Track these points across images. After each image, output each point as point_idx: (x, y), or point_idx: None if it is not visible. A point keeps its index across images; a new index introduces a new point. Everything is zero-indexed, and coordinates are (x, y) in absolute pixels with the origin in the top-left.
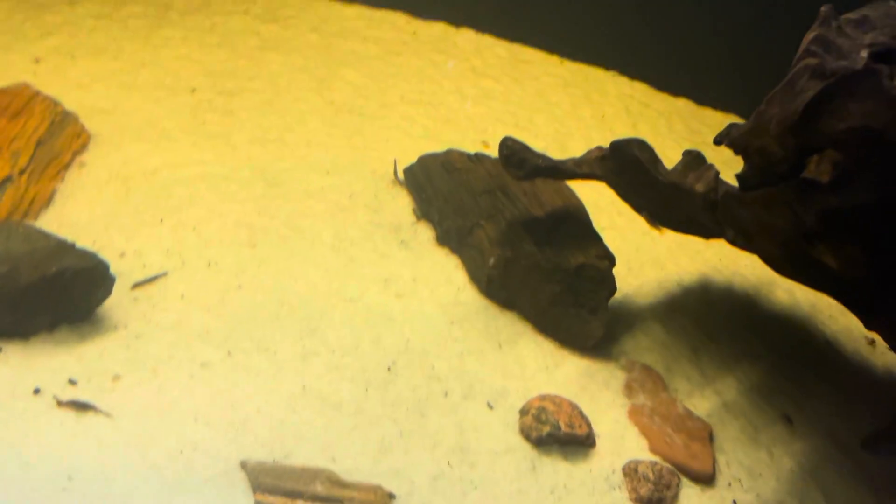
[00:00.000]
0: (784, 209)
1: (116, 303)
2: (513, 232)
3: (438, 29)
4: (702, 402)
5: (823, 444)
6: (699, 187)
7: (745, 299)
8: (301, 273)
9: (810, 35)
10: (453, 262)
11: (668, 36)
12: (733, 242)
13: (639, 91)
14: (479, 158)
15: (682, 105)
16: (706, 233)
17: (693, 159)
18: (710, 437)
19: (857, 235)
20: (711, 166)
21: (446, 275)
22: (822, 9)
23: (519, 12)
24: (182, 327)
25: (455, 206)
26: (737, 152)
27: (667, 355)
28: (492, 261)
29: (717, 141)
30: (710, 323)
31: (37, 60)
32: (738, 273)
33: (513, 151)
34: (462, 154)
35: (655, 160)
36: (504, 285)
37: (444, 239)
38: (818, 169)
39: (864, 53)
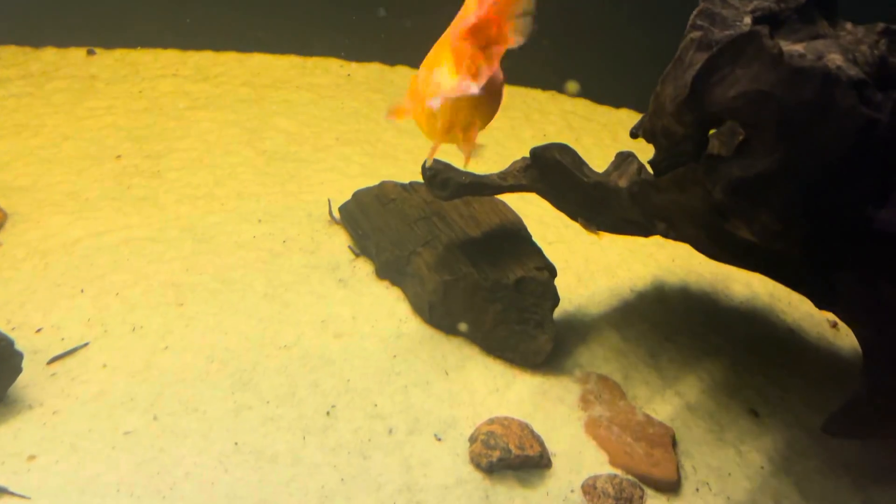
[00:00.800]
0: (695, 188)
1: (32, 381)
2: (450, 255)
3: (373, 69)
4: (663, 407)
5: (794, 436)
6: (622, 183)
7: (702, 297)
8: (231, 326)
9: (695, 10)
10: (394, 294)
11: (602, 50)
12: (665, 234)
13: (580, 106)
14: (413, 187)
15: (625, 115)
16: (642, 230)
17: (623, 159)
18: (673, 442)
19: (765, 204)
20: (634, 160)
21: (388, 308)
22: None
23: None
24: (104, 397)
25: (391, 238)
26: (647, 140)
27: (624, 363)
28: (431, 287)
29: (633, 134)
30: (667, 325)
31: None
32: (692, 272)
33: (436, 172)
34: (395, 185)
35: (579, 163)
36: (447, 311)
37: (383, 272)
38: (722, 144)
39: (748, 20)
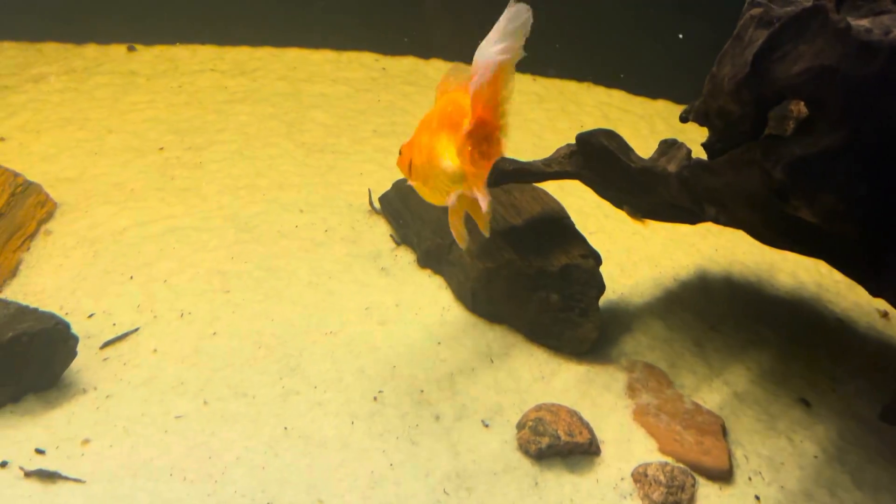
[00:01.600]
0: (753, 169)
1: (85, 365)
2: (492, 243)
3: (407, 63)
4: (711, 395)
5: (846, 425)
6: (671, 167)
7: (747, 287)
8: (277, 313)
9: None
10: (437, 283)
11: (639, 42)
12: (715, 219)
13: (616, 98)
14: None
15: (662, 106)
16: (689, 217)
17: (669, 145)
18: (724, 431)
19: (829, 183)
20: (682, 145)
21: (430, 296)
22: None
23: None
24: (155, 382)
25: (433, 227)
26: (700, 122)
27: (669, 351)
28: (474, 275)
29: (683, 118)
30: (712, 314)
31: (2, 139)
32: (736, 261)
33: None
34: None
35: (626, 148)
36: (490, 299)
37: (425, 261)
38: (779, 120)
39: None
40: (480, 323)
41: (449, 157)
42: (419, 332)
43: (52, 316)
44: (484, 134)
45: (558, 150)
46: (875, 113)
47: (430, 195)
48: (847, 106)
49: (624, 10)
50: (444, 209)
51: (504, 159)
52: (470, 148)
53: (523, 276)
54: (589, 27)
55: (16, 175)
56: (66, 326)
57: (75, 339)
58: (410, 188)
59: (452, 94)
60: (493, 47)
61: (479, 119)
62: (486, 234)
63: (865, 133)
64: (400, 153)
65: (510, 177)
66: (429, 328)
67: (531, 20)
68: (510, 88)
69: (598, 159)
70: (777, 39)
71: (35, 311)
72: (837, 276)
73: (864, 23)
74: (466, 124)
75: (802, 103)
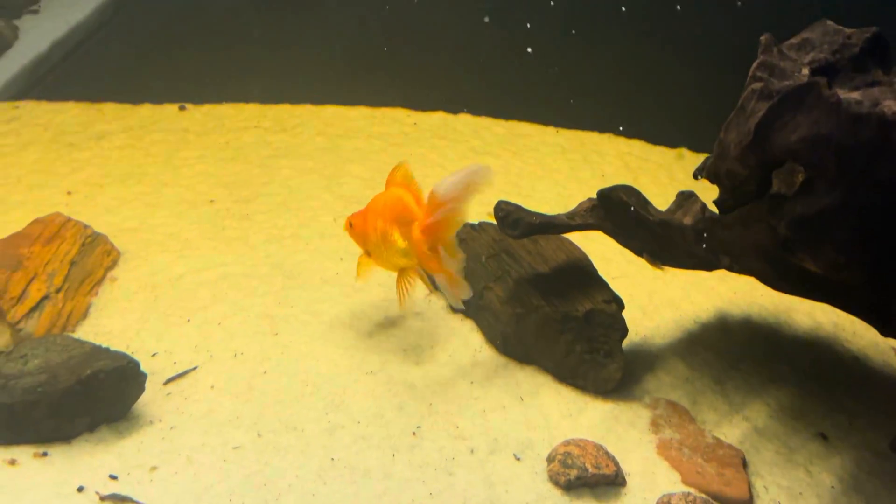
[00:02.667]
0: (760, 225)
1: (151, 399)
2: (520, 289)
3: (437, 118)
4: (731, 431)
5: (862, 457)
6: (687, 220)
7: (765, 327)
8: (322, 353)
9: (755, 63)
10: (468, 326)
11: (658, 93)
12: (730, 268)
13: (636, 148)
14: (482, 227)
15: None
16: (705, 265)
17: (685, 198)
18: (744, 463)
19: (830, 238)
20: (697, 199)
21: (462, 338)
22: (762, 38)
23: (512, 92)
24: (213, 415)
25: (465, 274)
26: (711, 181)
27: (691, 389)
28: (504, 319)
29: (696, 175)
30: (731, 354)
31: (69, 193)
32: (754, 304)
33: (507, 213)
34: (466, 225)
35: (644, 202)
36: (519, 341)
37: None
38: (782, 182)
39: (806, 71)
40: (511, 364)
41: (400, 245)
42: (453, 372)
43: (123, 355)
44: (431, 242)
45: (581, 204)
46: (867, 175)
47: (379, 264)
48: (841, 170)
49: (644, 63)
50: (476, 260)
51: (531, 213)
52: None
53: (550, 320)
54: (610, 80)
55: (85, 227)
56: (137, 365)
57: (144, 376)
58: None
59: (398, 189)
60: (450, 191)
61: (428, 231)
62: (461, 299)
63: (860, 193)
64: (350, 224)
65: (537, 229)
66: (462, 368)
67: (490, 180)
68: (459, 221)
69: (618, 213)
70: (776, 111)
71: (108, 350)
72: (853, 316)
73: (856, 95)
74: (417, 232)
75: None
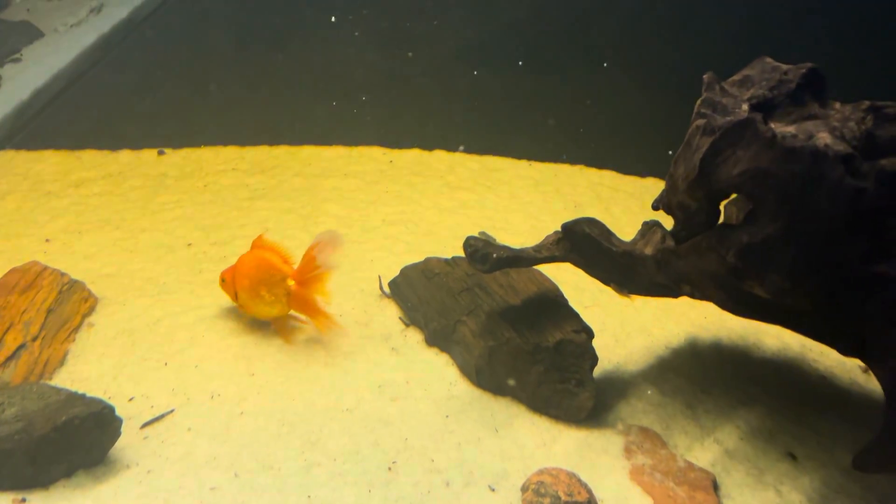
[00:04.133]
0: (711, 253)
1: (128, 443)
2: (492, 322)
3: (412, 155)
4: (703, 454)
5: (830, 475)
6: (648, 251)
7: (735, 351)
8: (298, 393)
9: (699, 100)
10: (443, 360)
11: (626, 124)
12: (691, 295)
13: (607, 178)
14: (455, 262)
15: (651, 183)
16: (670, 292)
17: (648, 228)
18: (715, 485)
19: (773, 265)
20: (658, 229)
21: (438, 373)
22: (705, 76)
23: (485, 128)
24: (190, 457)
25: (438, 308)
26: (667, 212)
27: (663, 414)
28: (477, 352)
29: (654, 206)
30: (702, 378)
31: (47, 241)
32: (724, 328)
33: (475, 248)
34: (440, 260)
35: (607, 233)
36: (493, 373)
37: (432, 340)
38: (737, 208)
39: (745, 107)
40: (485, 396)
41: (267, 300)
42: (428, 407)
43: (98, 401)
44: (308, 293)
45: (547, 238)
46: (805, 205)
47: (251, 313)
48: (781, 200)
49: (613, 95)
50: (450, 294)
51: (499, 247)
52: (293, 293)
53: (522, 351)
54: (580, 113)
55: (62, 274)
56: (112, 410)
57: (119, 421)
58: (417, 275)
59: (264, 252)
60: (320, 254)
61: (305, 284)
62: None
63: (800, 222)
64: (223, 280)
65: (505, 263)
66: (437, 402)
67: (341, 242)
68: (327, 280)
69: (583, 245)
70: (718, 146)
71: (83, 396)
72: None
73: (791, 129)
74: (291, 284)
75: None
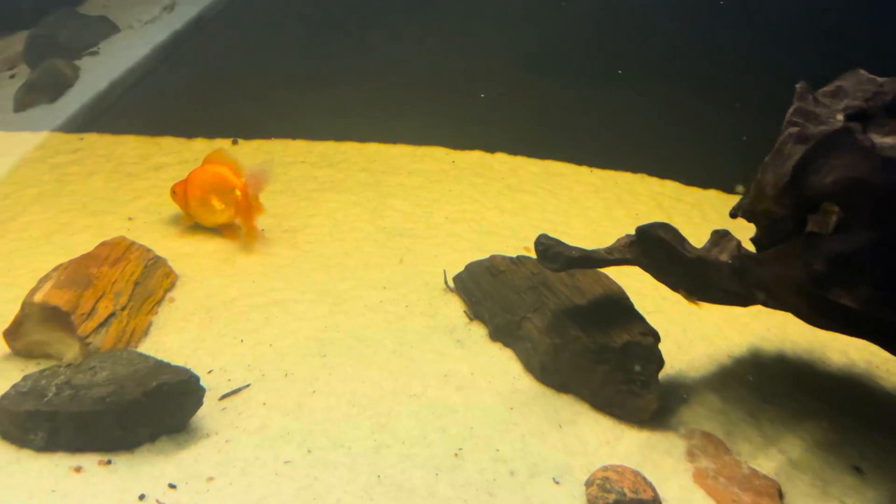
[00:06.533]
0: (796, 261)
1: (207, 413)
2: (559, 321)
3: (475, 156)
4: (766, 462)
5: None
6: (723, 257)
7: (799, 363)
8: (368, 376)
9: (791, 109)
10: (507, 355)
11: (689, 134)
12: (765, 303)
13: (669, 188)
14: (520, 260)
15: (713, 195)
16: (740, 300)
17: (720, 236)
18: (779, 494)
19: (865, 275)
20: (732, 237)
21: (502, 366)
22: (798, 86)
23: (548, 132)
24: (265, 431)
25: (503, 304)
26: (748, 220)
27: (725, 421)
28: (542, 349)
29: (733, 214)
30: (765, 388)
31: (130, 219)
32: (787, 340)
33: (547, 247)
34: (504, 258)
35: (681, 239)
36: (557, 370)
37: (496, 335)
38: (818, 221)
39: (840, 117)
40: (549, 392)
41: (218, 208)
42: (493, 398)
43: (185, 370)
44: (246, 203)
45: (619, 240)
46: None
47: (198, 220)
48: (876, 210)
49: (677, 107)
50: (515, 291)
51: (571, 247)
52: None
53: (588, 351)
54: (644, 122)
55: (147, 250)
56: (197, 379)
57: (203, 391)
58: (482, 271)
59: (217, 166)
60: (257, 175)
61: (245, 196)
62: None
63: (894, 233)
64: (174, 192)
65: (576, 263)
66: (501, 395)
67: (271, 174)
68: (261, 189)
69: (655, 249)
70: (813, 155)
71: (170, 365)
72: (887, 354)
73: (889, 140)
74: (238, 194)
75: None
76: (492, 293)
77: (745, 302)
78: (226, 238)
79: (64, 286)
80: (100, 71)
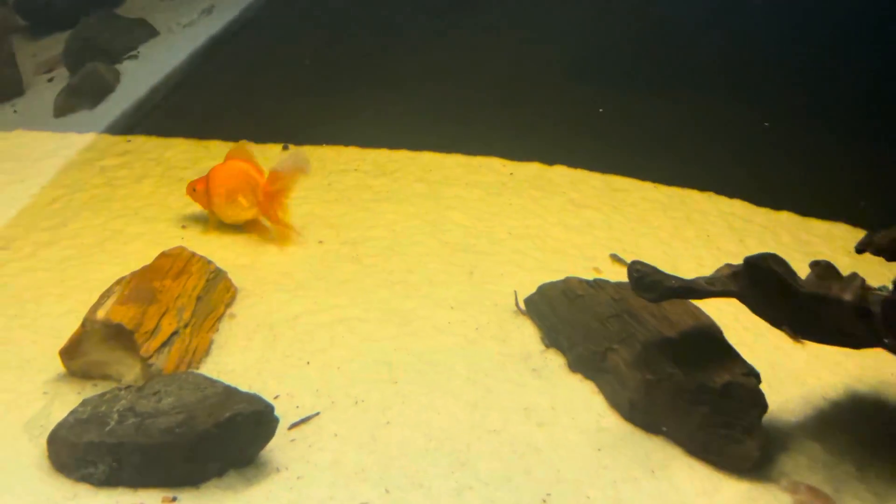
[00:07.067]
0: None
1: (276, 444)
2: (649, 354)
3: (533, 168)
4: None
5: None
6: (847, 296)
7: None
8: (443, 406)
9: None
10: (589, 388)
11: (758, 153)
12: (892, 349)
13: (738, 208)
14: (598, 285)
15: (786, 218)
16: (853, 342)
17: (824, 269)
18: None
19: None
20: (856, 275)
21: (584, 401)
22: None
23: (609, 146)
24: (339, 466)
25: (583, 333)
26: (888, 258)
27: (830, 475)
28: (632, 385)
29: (860, 249)
30: (869, 437)
31: (183, 227)
32: (884, 382)
33: (643, 274)
34: (581, 281)
35: (792, 273)
36: (648, 409)
37: (576, 365)
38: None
39: None
40: (637, 432)
41: (245, 205)
42: (578, 437)
43: (259, 398)
44: (269, 201)
45: (720, 270)
46: None
47: (223, 219)
48: None
49: (745, 124)
50: (597, 319)
51: (669, 276)
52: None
53: (684, 390)
54: (711, 138)
55: (208, 262)
56: (272, 409)
57: (276, 421)
58: (557, 294)
59: (240, 162)
60: (285, 170)
61: (268, 194)
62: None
63: None
64: (194, 189)
65: (675, 294)
66: (587, 433)
67: (308, 164)
68: (290, 189)
69: (764, 282)
70: None
71: (242, 391)
72: None
73: None
74: (260, 193)
75: None
76: (570, 319)
77: (858, 344)
78: (250, 235)
79: (127, 302)
80: (141, 75)
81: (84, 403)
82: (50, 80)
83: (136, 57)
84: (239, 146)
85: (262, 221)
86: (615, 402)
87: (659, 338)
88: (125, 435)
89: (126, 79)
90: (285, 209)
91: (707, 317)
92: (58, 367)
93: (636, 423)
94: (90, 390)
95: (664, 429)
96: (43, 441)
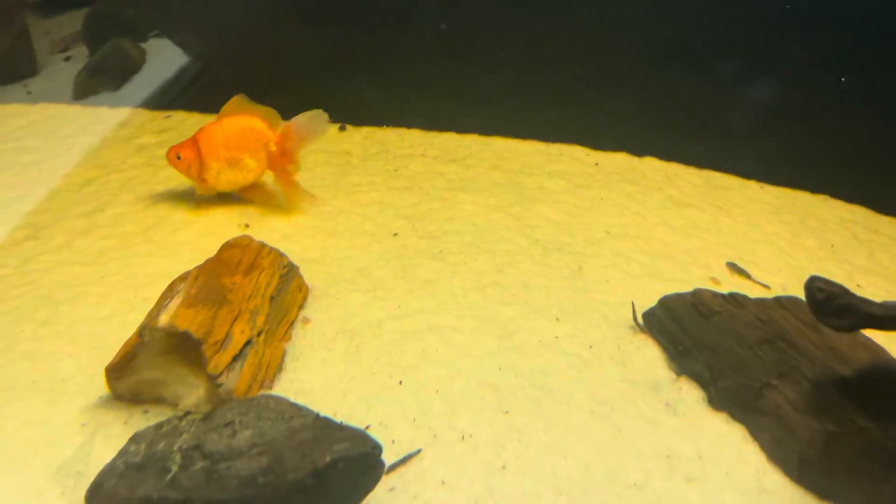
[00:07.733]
0: None
1: (373, 495)
2: (825, 397)
3: (620, 159)
4: None
5: None
6: None
7: None
8: (567, 448)
9: None
10: (738, 433)
11: (880, 155)
12: None
13: (860, 215)
14: (736, 300)
15: None
16: None
17: None
18: None
19: None
20: None
21: (736, 450)
22: None
23: (705, 139)
24: None
25: (729, 361)
26: None
27: None
28: (804, 435)
29: None
30: None
31: (242, 221)
32: None
33: (830, 295)
34: (715, 294)
35: None
36: (826, 470)
37: (720, 402)
38: None
39: None
40: (809, 498)
41: (252, 167)
42: (736, 500)
43: (364, 435)
44: (287, 160)
45: None
46: None
47: (219, 187)
48: None
49: (862, 118)
50: (743, 344)
51: (864, 299)
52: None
53: (880, 449)
54: (823, 135)
55: (280, 254)
56: (380, 451)
57: (383, 467)
58: (685, 309)
59: (241, 118)
60: (301, 125)
61: (282, 149)
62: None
63: None
64: (178, 157)
65: (875, 323)
66: (746, 495)
67: (328, 122)
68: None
69: None
70: None
71: (341, 425)
72: None
73: None
74: (273, 147)
75: None
76: (708, 342)
77: None
78: (250, 202)
79: (196, 303)
80: (170, 54)
81: (135, 439)
82: (67, 59)
83: (162, 35)
84: (234, 100)
85: (265, 185)
86: (777, 456)
87: (833, 376)
88: (192, 487)
89: (153, 58)
90: (297, 168)
91: (884, 350)
92: (100, 387)
93: (807, 486)
94: (139, 419)
95: (846, 498)
96: (80, 495)
